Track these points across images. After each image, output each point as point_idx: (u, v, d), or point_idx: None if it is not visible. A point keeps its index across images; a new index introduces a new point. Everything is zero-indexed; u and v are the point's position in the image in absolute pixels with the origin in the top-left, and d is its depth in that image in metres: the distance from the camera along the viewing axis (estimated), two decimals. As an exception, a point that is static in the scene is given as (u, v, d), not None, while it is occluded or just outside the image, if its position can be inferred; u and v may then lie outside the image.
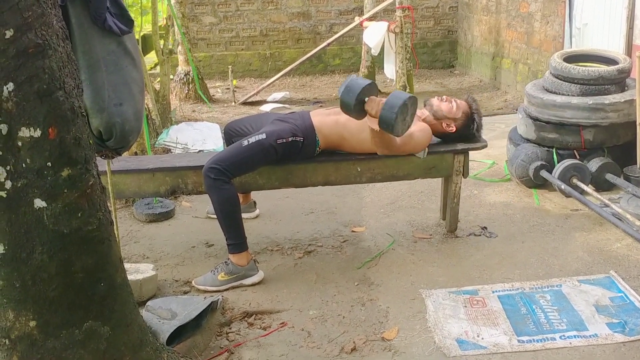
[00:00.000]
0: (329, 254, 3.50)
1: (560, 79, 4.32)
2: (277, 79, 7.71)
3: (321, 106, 7.32)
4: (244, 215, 3.90)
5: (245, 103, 7.43)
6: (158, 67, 8.61)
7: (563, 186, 3.90)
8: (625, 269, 3.14)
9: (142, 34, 5.44)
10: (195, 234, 3.83)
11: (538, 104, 4.30)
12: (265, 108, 7.15)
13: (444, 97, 3.48)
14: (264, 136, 3.22)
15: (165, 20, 5.05)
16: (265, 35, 8.82)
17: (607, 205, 3.71)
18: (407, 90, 5.75)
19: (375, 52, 6.69)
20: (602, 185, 4.08)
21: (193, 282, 3.19)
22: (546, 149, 4.32)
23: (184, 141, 5.06)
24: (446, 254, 3.40)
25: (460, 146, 3.46)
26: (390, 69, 6.19)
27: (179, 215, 4.16)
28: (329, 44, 7.42)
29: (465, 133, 3.41)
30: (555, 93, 4.32)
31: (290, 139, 3.25)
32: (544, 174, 4.11)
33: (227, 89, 8.29)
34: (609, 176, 4.02)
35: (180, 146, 4.96)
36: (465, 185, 4.35)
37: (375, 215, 4.02)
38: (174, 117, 5.43)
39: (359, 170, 3.46)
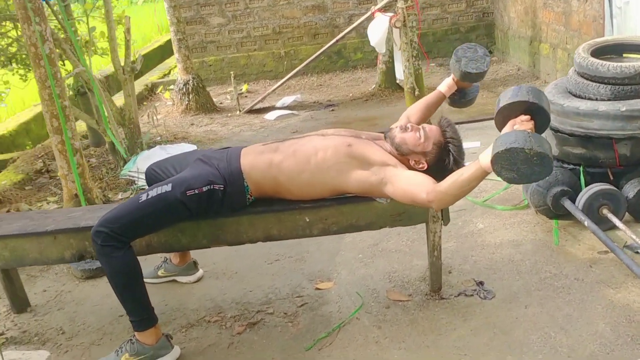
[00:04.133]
0: (277, 327, 2.77)
1: (587, 79, 3.39)
2: (284, 83, 6.97)
3: (332, 110, 6.54)
4: (182, 280, 3.26)
5: (250, 111, 6.74)
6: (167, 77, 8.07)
7: (587, 222, 3.00)
8: (664, 353, 2.26)
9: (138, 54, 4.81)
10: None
11: (558, 111, 3.39)
12: (270, 117, 6.43)
13: (409, 125, 2.66)
14: (168, 188, 2.53)
15: (124, 35, 4.41)
16: (279, 32, 8.08)
17: (646, 248, 2.81)
18: (417, 93, 4.89)
19: (380, 49, 5.85)
20: (644, 215, 3.16)
21: (94, 364, 2.58)
22: (572, 166, 3.41)
23: (151, 170, 4.40)
24: (421, 329, 2.60)
25: (436, 185, 2.63)
26: (400, 69, 5.33)
27: (123, 268, 3.51)
28: (338, 40, 6.60)
29: (440, 169, 2.56)
30: (579, 97, 3.39)
31: (204, 189, 2.54)
32: (565, 202, 3.22)
33: (240, 94, 7.62)
34: (652, 204, 3.10)
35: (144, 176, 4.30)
36: (469, 215, 3.53)
37: (351, 263, 3.25)
38: (145, 141, 4.80)
39: (308, 221, 2.71)
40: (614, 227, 3.05)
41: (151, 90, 8.04)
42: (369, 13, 6.41)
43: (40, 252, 2.80)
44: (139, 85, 8.27)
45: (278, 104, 6.87)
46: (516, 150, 2.10)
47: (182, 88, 6.76)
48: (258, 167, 2.62)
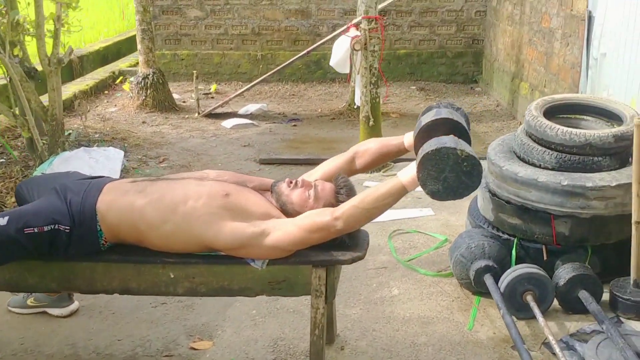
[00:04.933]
0: (127, 393, 2.40)
1: (534, 141, 3.02)
2: (250, 88, 6.59)
3: (295, 125, 6.15)
4: (53, 312, 2.87)
5: (210, 115, 6.34)
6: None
7: (502, 311, 2.61)
8: None
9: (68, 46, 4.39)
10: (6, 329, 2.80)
11: (497, 174, 3.02)
12: (227, 125, 6.05)
13: (300, 180, 2.29)
14: (3, 222, 2.18)
15: (53, 22, 4.03)
16: (258, 34, 7.69)
17: (566, 349, 2.42)
18: (372, 123, 4.50)
19: (340, 69, 5.47)
20: (574, 305, 2.78)
21: None
22: (506, 236, 3.04)
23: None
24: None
25: (321, 256, 2.26)
26: (358, 94, 4.95)
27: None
28: (309, 51, 6.23)
29: (327, 236, 2.19)
30: (523, 160, 3.02)
31: (45, 229, 2.18)
32: (487, 281, 2.84)
33: (207, 94, 7.24)
34: (583, 295, 2.71)
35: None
36: (387, 277, 3.17)
37: (241, 319, 2.87)
38: (71, 140, 4.41)
39: (172, 277, 2.34)
40: (533, 317, 2.66)
41: (116, 79, 7.64)
42: (345, 27, 6.03)
43: None
44: (106, 71, 7.89)
45: (241, 111, 6.48)
46: (447, 150, 1.94)
47: (141, 82, 6.37)
48: (116, 209, 2.24)
